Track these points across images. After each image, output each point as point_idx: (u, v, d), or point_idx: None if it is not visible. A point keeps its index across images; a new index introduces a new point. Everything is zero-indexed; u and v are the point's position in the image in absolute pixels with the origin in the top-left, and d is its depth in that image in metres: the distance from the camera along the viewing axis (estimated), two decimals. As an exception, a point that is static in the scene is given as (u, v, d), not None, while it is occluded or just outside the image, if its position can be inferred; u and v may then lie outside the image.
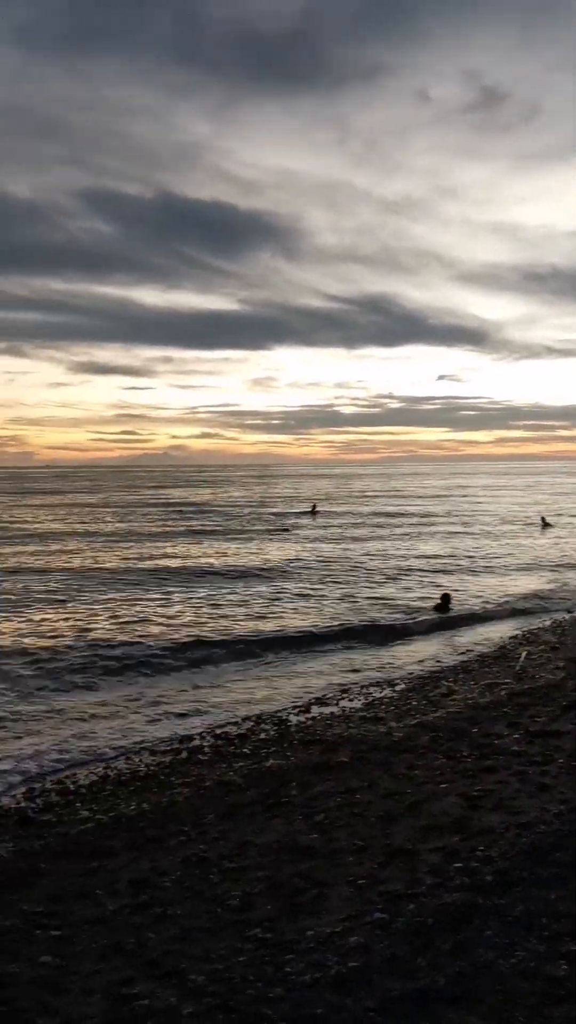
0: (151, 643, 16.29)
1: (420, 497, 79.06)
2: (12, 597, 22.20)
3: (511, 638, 17.42)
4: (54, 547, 36.06)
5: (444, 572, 27.54)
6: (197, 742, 10.83)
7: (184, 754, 10.31)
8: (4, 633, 17.40)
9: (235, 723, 11.67)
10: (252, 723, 11.65)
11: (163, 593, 22.91)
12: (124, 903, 6.07)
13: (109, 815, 8.22)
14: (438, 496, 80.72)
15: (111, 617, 19.18)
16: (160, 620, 18.83)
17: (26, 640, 16.64)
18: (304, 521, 51.01)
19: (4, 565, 29.61)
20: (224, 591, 23.38)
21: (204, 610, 20.22)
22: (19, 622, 18.75)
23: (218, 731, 11.28)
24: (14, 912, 5.95)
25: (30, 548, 35.74)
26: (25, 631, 17.63)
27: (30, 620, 18.96)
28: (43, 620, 18.98)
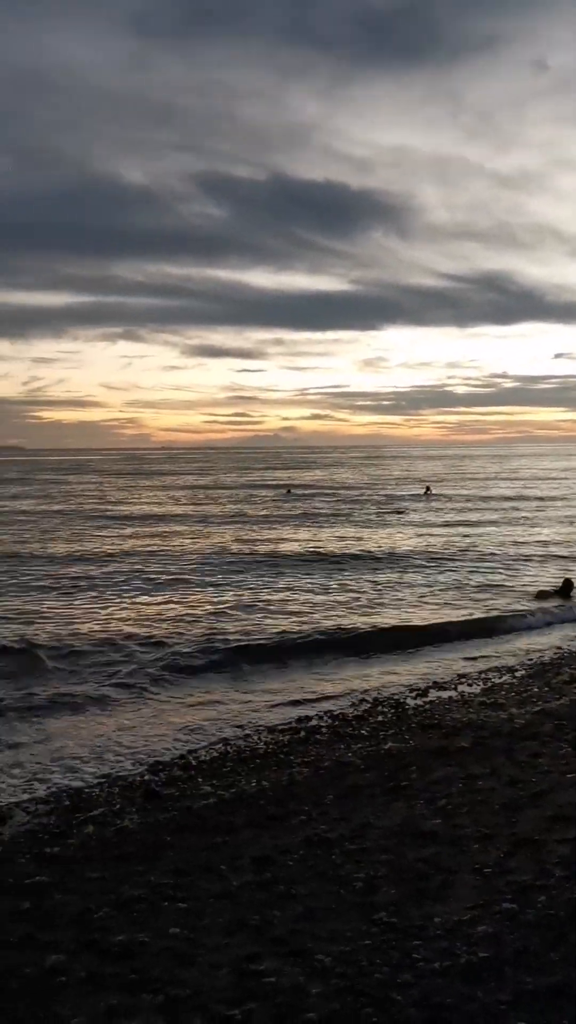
0: (263, 630, 16.36)
1: (536, 479, 76.99)
2: (126, 580, 22.70)
3: None
4: (167, 530, 36.78)
5: (563, 558, 26.76)
6: (315, 722, 10.84)
7: (302, 734, 10.35)
8: (121, 618, 17.82)
9: (352, 704, 11.63)
10: (369, 705, 11.58)
11: (274, 578, 22.98)
12: (248, 879, 6.11)
13: (230, 791, 8.32)
14: (555, 478, 78.44)
15: (222, 602, 19.33)
16: (272, 607, 18.87)
17: (141, 625, 16.90)
18: (417, 504, 50.43)
19: (120, 547, 30.40)
20: (336, 576, 23.35)
21: (317, 596, 20.23)
22: (134, 606, 19.17)
23: (335, 712, 11.26)
24: (143, 883, 6.08)
25: (144, 530, 36.60)
26: (139, 616, 17.99)
27: (143, 604, 19.32)
28: (155, 604, 19.35)
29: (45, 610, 18.28)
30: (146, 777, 8.92)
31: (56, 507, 50.82)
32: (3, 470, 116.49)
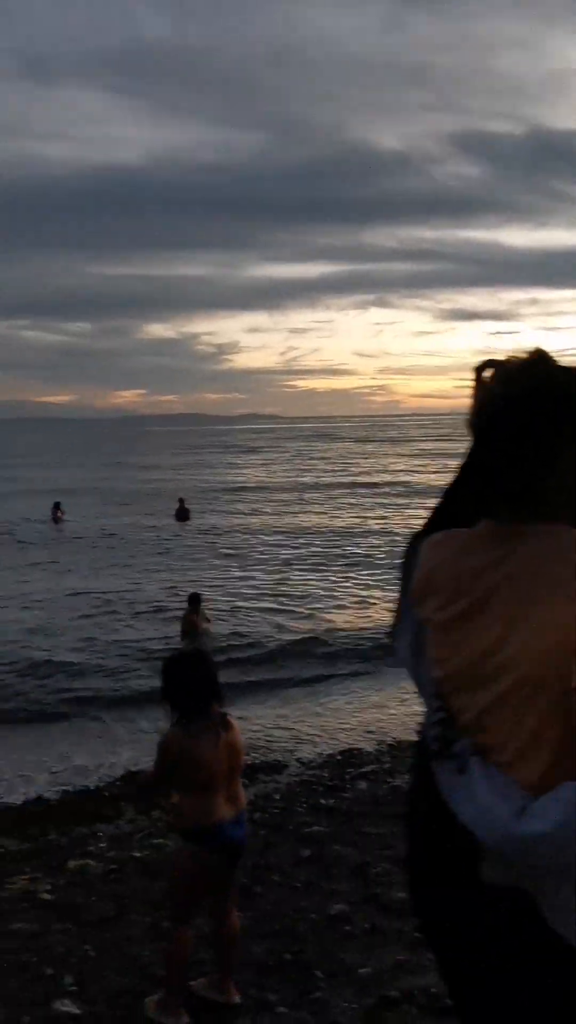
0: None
1: None
2: (380, 559, 22.48)
3: None
4: (407, 501, 36.41)
5: None
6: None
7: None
8: (372, 603, 17.64)
9: None
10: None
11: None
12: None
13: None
14: None
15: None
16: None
17: (354, 614, 16.73)
18: None
19: (372, 526, 30.06)
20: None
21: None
22: (378, 591, 18.56)
23: None
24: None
25: (388, 501, 36.53)
26: (367, 600, 17.84)
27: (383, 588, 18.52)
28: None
29: (340, 594, 18.53)
30: (417, 739, 8.90)
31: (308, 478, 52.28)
32: (264, 438, 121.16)
